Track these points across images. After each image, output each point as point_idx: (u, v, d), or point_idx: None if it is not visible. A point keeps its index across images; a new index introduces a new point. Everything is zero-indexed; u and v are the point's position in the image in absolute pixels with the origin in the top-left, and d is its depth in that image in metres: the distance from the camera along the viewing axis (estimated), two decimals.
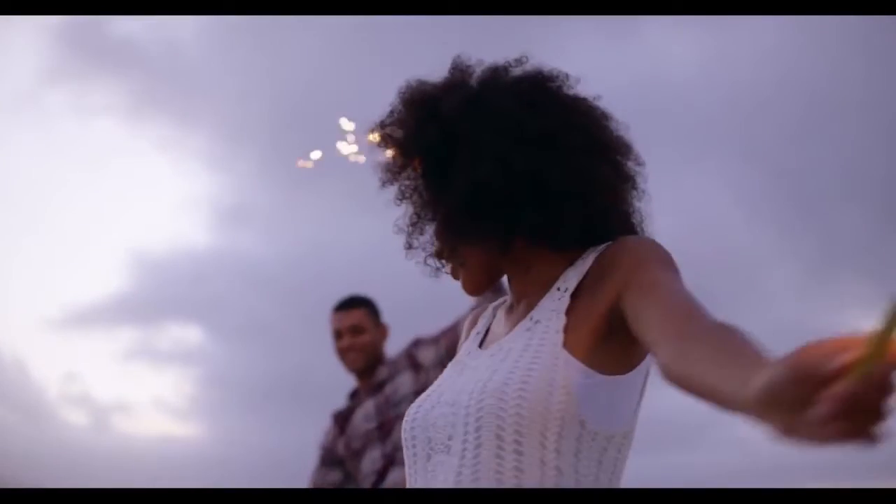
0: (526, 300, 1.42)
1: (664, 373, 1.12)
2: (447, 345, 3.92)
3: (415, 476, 1.34)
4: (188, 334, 9.63)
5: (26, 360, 8.49)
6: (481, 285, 1.47)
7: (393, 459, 3.91)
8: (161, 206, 9.83)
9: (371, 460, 3.98)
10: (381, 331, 4.20)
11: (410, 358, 4.04)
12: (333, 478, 4.14)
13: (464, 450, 1.27)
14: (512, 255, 1.42)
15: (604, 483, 1.30)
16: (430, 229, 1.44)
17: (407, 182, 1.44)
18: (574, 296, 1.34)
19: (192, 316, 9.02)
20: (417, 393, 3.93)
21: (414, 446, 1.35)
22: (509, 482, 1.24)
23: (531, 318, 1.37)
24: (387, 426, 4.00)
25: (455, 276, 1.47)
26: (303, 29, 8.57)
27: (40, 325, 9.11)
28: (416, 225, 1.44)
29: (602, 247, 1.35)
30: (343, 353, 4.17)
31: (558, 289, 1.37)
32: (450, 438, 1.30)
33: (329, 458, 4.19)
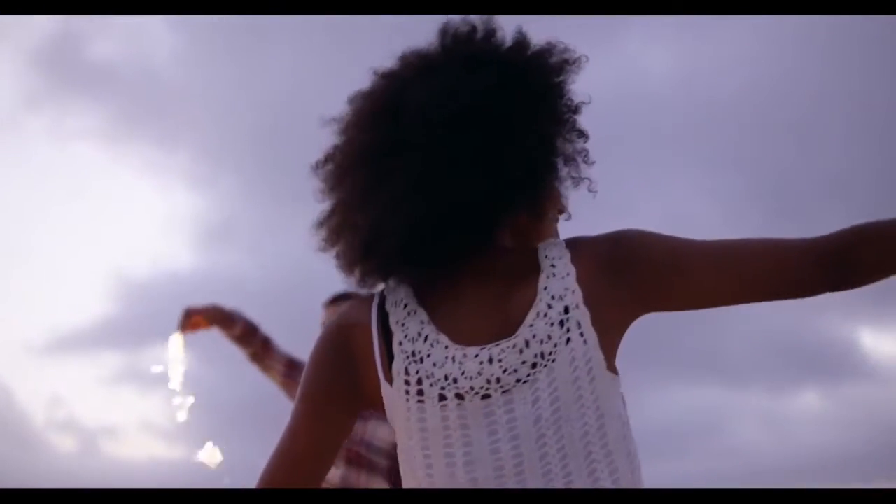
0: None
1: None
2: None
3: None
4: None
5: (11, 386, 8.44)
6: None
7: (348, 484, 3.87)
8: (143, 227, 9.81)
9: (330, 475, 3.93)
10: None
11: None
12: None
13: None
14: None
15: None
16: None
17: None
18: None
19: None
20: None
21: None
22: None
23: None
24: (352, 452, 3.92)
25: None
26: (281, 46, 8.57)
27: (24, 350, 9.05)
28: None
29: None
30: None
31: None
32: None
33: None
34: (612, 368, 1.37)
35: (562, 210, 1.50)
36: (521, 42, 1.43)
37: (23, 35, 8.69)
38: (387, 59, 1.45)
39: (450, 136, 1.35)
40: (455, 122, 1.35)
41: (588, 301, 1.36)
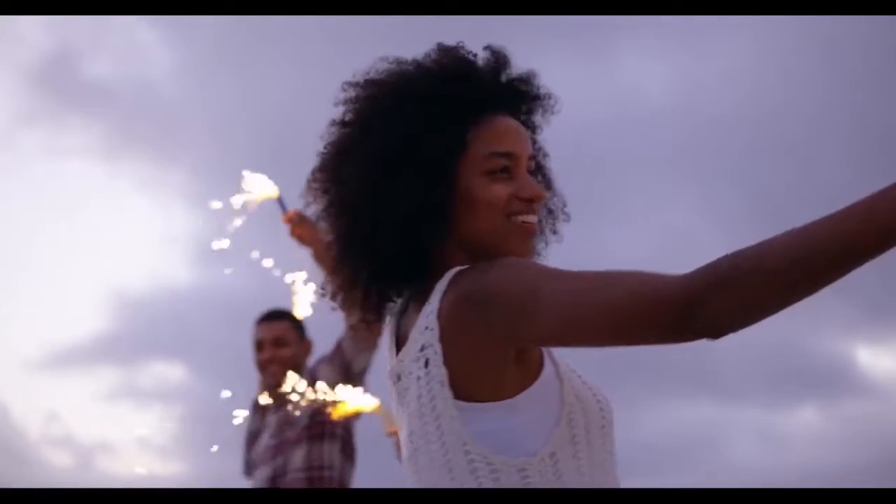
0: None
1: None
2: (339, 363, 3.90)
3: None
4: (171, 372, 9.57)
5: (7, 401, 8.42)
6: None
7: (279, 482, 3.87)
8: (140, 244, 9.79)
9: (259, 479, 3.94)
10: (304, 346, 4.11)
11: (311, 376, 3.94)
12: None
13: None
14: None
15: None
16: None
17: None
18: None
19: (175, 354, 8.96)
20: (312, 414, 3.94)
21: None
22: None
23: None
24: (281, 445, 3.93)
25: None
26: (279, 63, 8.59)
27: (20, 366, 9.04)
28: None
29: None
30: (263, 366, 4.07)
31: None
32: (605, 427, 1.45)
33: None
34: (489, 397, 1.36)
35: (529, 199, 1.47)
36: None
37: (19, 52, 8.71)
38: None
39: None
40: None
41: (444, 337, 1.37)
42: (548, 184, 1.57)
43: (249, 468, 4.16)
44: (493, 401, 1.37)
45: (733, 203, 8.85)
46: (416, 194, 1.41)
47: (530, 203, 1.47)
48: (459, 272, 1.41)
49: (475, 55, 1.52)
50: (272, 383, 4.05)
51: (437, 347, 1.37)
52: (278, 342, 4.05)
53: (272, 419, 4.02)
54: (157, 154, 9.31)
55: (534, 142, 1.55)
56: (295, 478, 3.84)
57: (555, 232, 1.58)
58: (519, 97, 1.53)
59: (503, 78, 1.52)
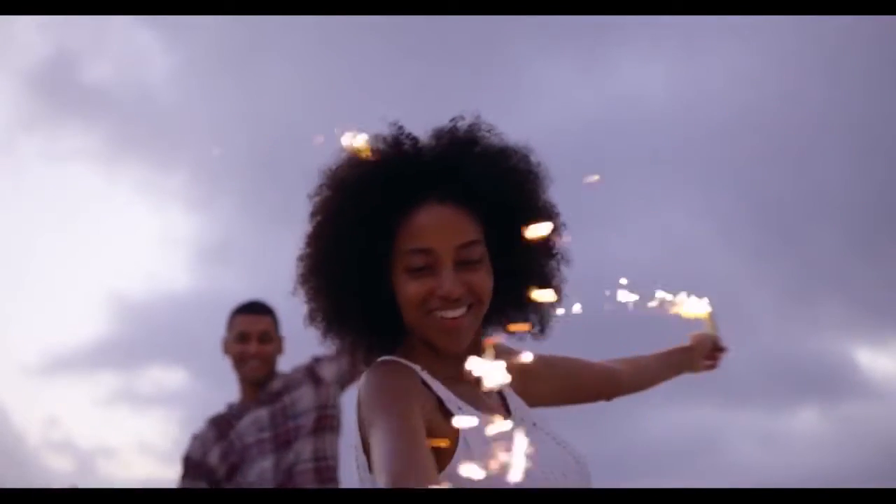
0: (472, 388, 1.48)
1: None
2: (347, 362, 3.85)
3: None
4: (171, 376, 9.56)
5: (6, 406, 8.41)
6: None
7: (291, 473, 3.79)
8: (139, 248, 9.79)
9: (261, 470, 3.81)
10: (280, 343, 4.05)
11: (310, 372, 3.91)
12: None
13: None
14: None
15: None
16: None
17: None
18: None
19: (175, 358, 8.96)
20: (319, 407, 3.90)
21: None
22: None
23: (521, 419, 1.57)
24: (283, 437, 3.85)
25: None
26: (278, 66, 8.59)
27: (20, 371, 9.03)
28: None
29: None
30: (245, 359, 3.97)
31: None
32: None
33: (196, 471, 3.94)
34: None
35: (444, 297, 1.46)
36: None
37: (17, 57, 8.71)
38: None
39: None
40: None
41: (360, 426, 1.44)
42: (529, 255, 1.55)
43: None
44: None
45: (733, 206, 8.85)
46: (349, 288, 1.49)
47: (447, 300, 1.45)
48: (376, 363, 1.48)
49: (415, 143, 1.51)
50: (253, 378, 3.99)
51: (357, 434, 1.44)
52: (264, 337, 3.99)
53: (263, 413, 3.93)
54: (156, 158, 9.31)
55: (514, 213, 1.51)
56: (305, 468, 3.81)
57: (558, 302, 1.60)
58: (462, 181, 1.48)
59: (445, 162, 1.48)
